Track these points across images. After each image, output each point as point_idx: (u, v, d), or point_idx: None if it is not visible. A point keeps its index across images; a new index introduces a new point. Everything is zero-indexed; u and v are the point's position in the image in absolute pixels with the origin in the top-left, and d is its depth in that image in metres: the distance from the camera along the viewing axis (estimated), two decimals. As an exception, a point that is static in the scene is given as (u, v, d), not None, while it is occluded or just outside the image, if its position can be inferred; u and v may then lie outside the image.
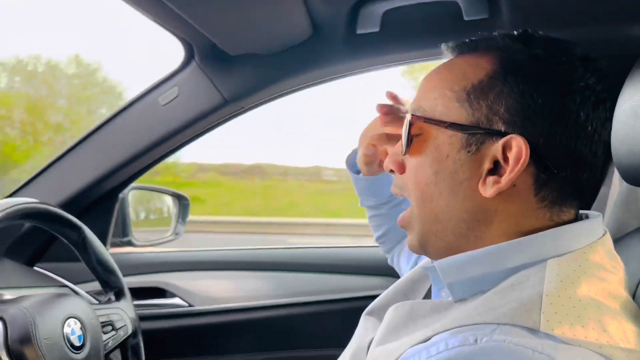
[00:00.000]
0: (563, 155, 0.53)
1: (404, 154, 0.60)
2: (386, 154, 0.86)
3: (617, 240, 0.78)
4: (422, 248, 0.62)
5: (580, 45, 0.57)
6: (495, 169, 0.54)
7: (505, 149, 0.53)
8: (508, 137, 0.53)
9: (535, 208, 0.55)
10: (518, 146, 0.52)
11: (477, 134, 0.55)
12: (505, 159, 0.53)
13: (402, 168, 0.62)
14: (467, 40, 0.61)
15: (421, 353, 0.49)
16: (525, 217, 0.55)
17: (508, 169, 0.53)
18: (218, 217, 7.19)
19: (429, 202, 0.58)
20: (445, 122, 0.56)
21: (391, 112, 0.83)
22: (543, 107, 0.53)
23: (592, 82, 0.55)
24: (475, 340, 0.46)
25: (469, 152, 0.55)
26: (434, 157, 0.57)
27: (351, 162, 0.97)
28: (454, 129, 0.56)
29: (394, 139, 0.82)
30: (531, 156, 0.52)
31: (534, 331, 0.46)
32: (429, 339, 0.51)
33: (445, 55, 0.63)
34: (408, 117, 0.59)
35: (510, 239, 0.55)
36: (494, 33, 0.59)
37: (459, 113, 0.56)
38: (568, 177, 0.54)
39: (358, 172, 0.96)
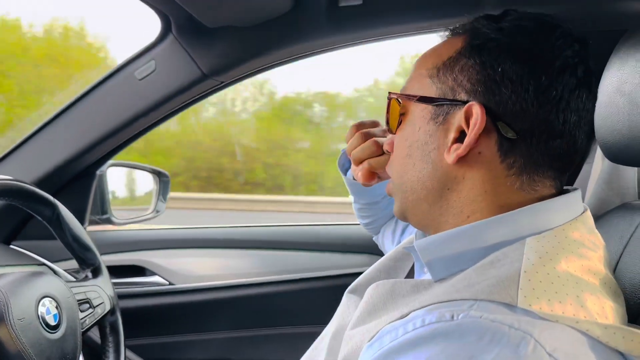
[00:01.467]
0: (526, 121, 0.54)
1: (388, 132, 0.65)
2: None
3: (599, 218, 0.79)
4: (403, 216, 0.66)
5: (566, 21, 0.58)
6: (462, 139, 0.56)
7: (468, 117, 0.55)
8: (468, 104, 0.55)
9: (503, 176, 0.56)
10: (476, 112, 0.54)
11: (443, 104, 0.58)
12: (469, 127, 0.55)
13: (392, 147, 0.66)
14: (456, 26, 0.63)
15: (398, 329, 0.49)
16: (493, 184, 0.56)
17: (467, 135, 0.55)
18: (199, 194, 7.17)
19: (405, 173, 0.62)
20: (415, 96, 0.60)
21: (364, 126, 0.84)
22: (503, 75, 0.55)
23: (558, 46, 0.55)
24: (452, 317, 0.46)
25: (436, 122, 0.58)
26: (409, 131, 0.61)
27: (342, 163, 0.96)
28: (423, 101, 0.60)
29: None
30: (493, 122, 0.55)
31: (511, 307, 0.46)
32: (406, 315, 0.51)
33: (426, 28, 0.66)
34: (389, 95, 0.64)
35: (481, 207, 0.56)
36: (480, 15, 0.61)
37: (430, 88, 0.60)
38: (534, 144, 0.55)
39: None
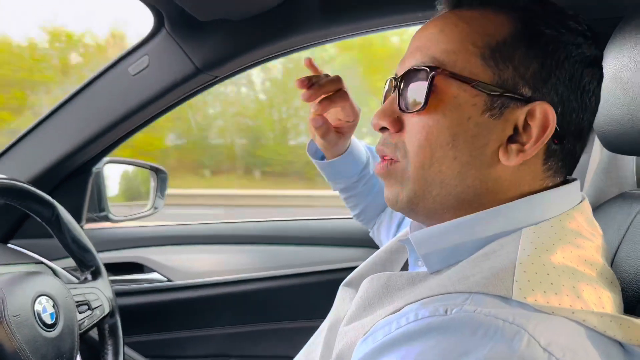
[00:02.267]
0: (573, 125, 0.53)
1: (412, 112, 0.55)
2: (338, 119, 0.87)
3: (597, 208, 0.78)
4: (410, 207, 0.58)
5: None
6: (514, 136, 0.53)
7: (528, 116, 0.52)
8: (535, 103, 0.51)
9: (540, 178, 0.55)
10: (543, 114, 0.51)
11: (502, 97, 0.52)
12: (525, 126, 0.52)
13: (398, 126, 0.57)
14: None
15: (391, 324, 0.48)
16: (530, 186, 0.55)
17: (533, 137, 0.52)
18: (196, 190, 7.15)
19: (437, 164, 0.54)
20: (472, 80, 0.52)
21: (311, 83, 0.80)
22: (565, 75, 0.52)
23: (600, 55, 0.55)
24: (446, 311, 0.45)
25: (492, 116, 0.52)
26: (453, 118, 0.53)
27: (312, 149, 0.96)
28: (479, 89, 0.52)
29: (335, 101, 0.82)
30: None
31: (506, 300, 0.45)
32: (400, 309, 0.50)
33: (445, 6, 0.58)
34: (428, 70, 0.53)
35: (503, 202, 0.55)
36: None
37: (485, 72, 0.52)
38: (569, 147, 0.55)
39: (322, 158, 0.95)
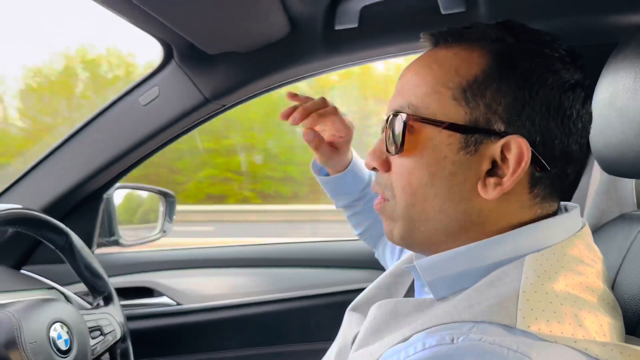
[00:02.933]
0: (557, 151, 0.53)
1: (395, 154, 0.57)
2: (331, 135, 0.90)
3: (598, 230, 0.79)
4: (404, 242, 0.61)
5: (555, 34, 0.57)
6: (492, 169, 0.54)
7: (504, 149, 0.52)
8: (508, 137, 0.52)
9: (528, 205, 0.55)
10: (518, 147, 0.52)
11: (475, 134, 0.53)
12: (504, 159, 0.53)
13: (386, 166, 0.60)
14: (449, 30, 0.58)
15: (400, 353, 0.49)
16: (518, 215, 0.55)
17: (509, 170, 0.52)
18: (206, 207, 7.15)
19: (421, 203, 0.56)
20: (443, 123, 0.54)
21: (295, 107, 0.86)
22: (541, 105, 0.52)
23: (581, 78, 0.54)
24: (452, 340, 0.46)
25: (467, 153, 0.53)
26: (430, 159, 0.55)
27: (316, 167, 0.98)
28: (452, 129, 0.53)
29: (324, 115, 0.85)
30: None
31: (510, 328, 0.46)
32: (408, 338, 0.51)
33: (425, 46, 0.61)
34: (403, 116, 0.56)
35: (495, 233, 0.55)
36: (476, 23, 0.57)
37: (457, 112, 0.54)
38: (558, 173, 0.54)
39: (326, 175, 0.97)
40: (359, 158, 0.97)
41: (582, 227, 0.57)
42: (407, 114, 0.56)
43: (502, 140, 0.52)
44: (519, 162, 0.52)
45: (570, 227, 0.56)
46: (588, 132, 0.56)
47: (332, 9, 0.96)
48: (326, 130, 0.90)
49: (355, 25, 0.96)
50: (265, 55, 1.04)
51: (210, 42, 0.98)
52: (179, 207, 1.53)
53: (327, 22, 0.98)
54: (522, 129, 0.52)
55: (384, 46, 0.99)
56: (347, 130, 0.90)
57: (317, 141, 0.88)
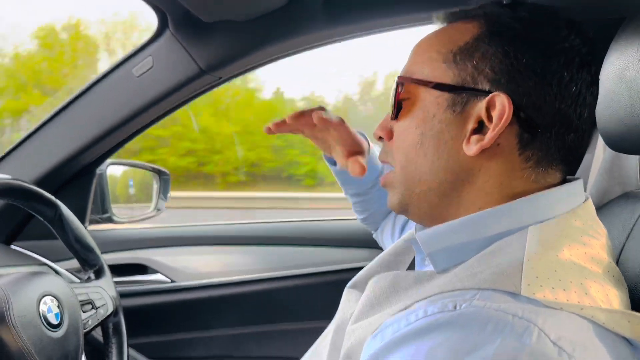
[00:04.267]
0: (547, 115, 0.54)
1: (393, 119, 0.61)
2: (345, 148, 0.86)
3: (601, 207, 0.79)
4: (403, 209, 0.62)
5: (565, 10, 0.57)
6: (480, 129, 0.55)
7: (490, 108, 0.54)
8: (492, 95, 0.53)
9: (520, 168, 0.55)
10: (501, 104, 0.53)
11: (462, 93, 0.55)
12: (490, 118, 0.54)
13: (390, 134, 0.63)
14: (457, 10, 0.61)
15: (400, 321, 0.48)
16: (509, 177, 0.55)
17: (491, 127, 0.53)
18: (201, 193, 7.18)
19: (413, 163, 0.59)
20: (431, 82, 0.57)
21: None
22: (527, 67, 0.53)
23: (577, 43, 0.55)
24: (455, 307, 0.45)
25: (454, 111, 0.56)
26: (420, 119, 0.58)
27: (327, 156, 0.95)
28: (440, 88, 0.56)
29: (337, 129, 0.82)
30: (515, 115, 0.53)
31: (515, 295, 0.45)
32: (409, 306, 0.50)
33: (435, 24, 0.63)
34: (396, 80, 0.59)
35: (493, 200, 0.55)
36: (483, 2, 0.60)
37: (446, 73, 0.56)
38: (553, 138, 0.55)
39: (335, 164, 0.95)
40: (375, 148, 0.95)
41: (585, 200, 0.57)
42: (400, 77, 0.60)
43: (487, 98, 0.54)
44: (500, 118, 0.53)
45: (573, 199, 0.56)
46: (586, 99, 0.56)
47: (333, -23, 0.94)
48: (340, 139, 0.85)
49: None
50: (263, 25, 1.01)
51: (207, 9, 0.95)
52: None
53: (326, -8, 0.96)
54: (507, 89, 0.53)
55: (386, 17, 0.97)
56: (357, 145, 0.85)
57: (325, 147, 0.88)
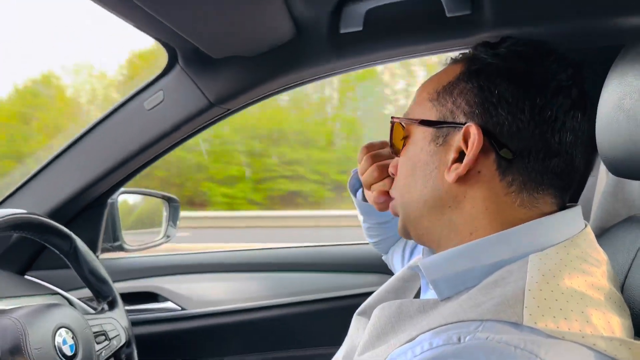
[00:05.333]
0: (522, 140, 0.57)
1: (394, 155, 0.69)
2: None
3: (606, 231, 0.79)
4: (405, 233, 0.68)
5: (564, 39, 0.61)
6: (461, 159, 0.59)
7: (466, 138, 0.58)
8: (466, 126, 0.58)
9: (503, 194, 0.57)
10: (473, 133, 0.57)
11: (442, 127, 0.61)
12: (467, 147, 0.58)
13: (396, 170, 0.69)
14: (459, 55, 0.67)
15: (406, 353, 0.49)
16: (495, 202, 0.58)
17: (466, 155, 0.57)
18: (211, 213, 7.20)
19: (407, 192, 0.65)
20: (416, 120, 0.64)
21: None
22: (499, 97, 0.57)
23: (553, 69, 0.58)
24: (459, 339, 0.46)
25: (437, 143, 0.61)
26: (412, 153, 0.64)
27: (352, 183, 0.97)
28: (424, 124, 0.63)
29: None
30: (490, 143, 0.57)
31: (517, 326, 0.46)
32: (414, 338, 0.51)
33: (441, 63, 0.69)
34: (401, 122, 0.67)
35: (483, 225, 0.57)
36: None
37: (430, 111, 0.63)
38: (532, 163, 0.57)
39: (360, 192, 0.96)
40: None
41: (584, 228, 0.58)
42: (393, 117, 0.67)
43: (462, 129, 0.58)
44: (472, 146, 0.57)
45: (572, 226, 0.57)
46: (566, 124, 0.58)
47: (337, 12, 0.96)
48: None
49: (360, 28, 0.96)
50: (270, 59, 1.03)
51: (215, 45, 0.98)
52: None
53: (332, 26, 0.98)
54: (480, 121, 0.58)
55: (389, 49, 0.99)
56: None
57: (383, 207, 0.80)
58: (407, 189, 0.65)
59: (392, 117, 0.67)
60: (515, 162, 0.57)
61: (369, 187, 0.81)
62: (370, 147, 0.84)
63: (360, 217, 1.01)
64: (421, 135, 0.63)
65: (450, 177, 0.59)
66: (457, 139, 0.59)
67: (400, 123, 0.66)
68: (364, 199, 0.95)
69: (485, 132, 0.57)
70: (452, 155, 0.59)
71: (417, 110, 0.65)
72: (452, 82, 0.62)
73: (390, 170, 0.72)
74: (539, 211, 0.57)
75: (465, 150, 0.58)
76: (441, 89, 0.63)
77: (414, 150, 0.64)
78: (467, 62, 0.62)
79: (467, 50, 0.66)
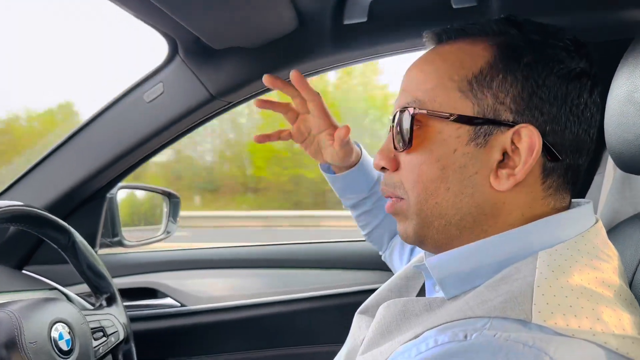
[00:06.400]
0: (567, 140, 0.53)
1: (403, 150, 0.58)
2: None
3: (613, 229, 0.78)
4: (419, 240, 0.60)
5: (570, 30, 0.57)
6: (502, 161, 0.54)
7: (514, 139, 0.52)
8: (518, 127, 0.52)
9: (541, 197, 0.55)
10: (529, 136, 0.52)
11: (484, 125, 0.53)
12: (514, 149, 0.53)
13: (395, 165, 0.60)
14: (452, 27, 0.59)
15: (411, 350, 0.48)
16: (531, 207, 0.55)
17: (522, 160, 0.52)
18: (212, 212, 7.25)
19: (433, 197, 0.56)
20: (452, 115, 0.54)
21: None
22: (548, 94, 0.52)
23: (587, 66, 0.55)
24: (465, 336, 0.45)
25: (477, 144, 0.53)
26: (440, 152, 0.55)
27: (324, 165, 0.97)
28: (461, 121, 0.54)
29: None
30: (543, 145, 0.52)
31: (525, 323, 0.45)
32: (419, 335, 0.50)
33: (429, 43, 0.61)
34: (410, 111, 0.56)
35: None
36: (480, 20, 0.58)
37: (464, 104, 0.54)
38: (569, 163, 0.54)
39: (333, 173, 0.96)
40: (368, 156, 0.96)
41: (595, 223, 0.56)
42: (414, 108, 0.56)
43: (512, 130, 0.52)
44: (530, 151, 0.52)
45: (583, 222, 0.55)
46: (596, 121, 0.56)
47: (340, 3, 0.95)
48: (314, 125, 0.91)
49: (364, 19, 0.95)
50: (272, 51, 1.02)
51: (217, 36, 0.97)
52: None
53: (335, 17, 0.97)
54: (531, 119, 0.52)
55: (393, 41, 0.98)
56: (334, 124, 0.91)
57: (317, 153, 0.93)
58: (432, 194, 0.56)
59: (405, 107, 0.57)
60: (557, 164, 0.54)
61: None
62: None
63: (342, 201, 1.01)
64: (453, 133, 0.54)
65: (503, 185, 0.53)
66: (502, 140, 0.53)
67: (413, 114, 0.56)
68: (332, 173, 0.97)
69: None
70: (496, 157, 0.53)
71: (439, 100, 0.55)
72: (486, 70, 0.53)
73: (382, 164, 0.61)
74: (559, 207, 0.56)
75: (509, 153, 0.53)
76: (472, 77, 0.54)
77: (444, 150, 0.54)
78: (498, 46, 0.54)
79: (472, 24, 0.58)
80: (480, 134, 0.53)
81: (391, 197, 0.62)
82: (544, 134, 0.52)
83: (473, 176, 0.54)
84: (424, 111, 0.55)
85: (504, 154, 0.53)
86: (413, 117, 0.56)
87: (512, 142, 0.52)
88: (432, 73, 0.57)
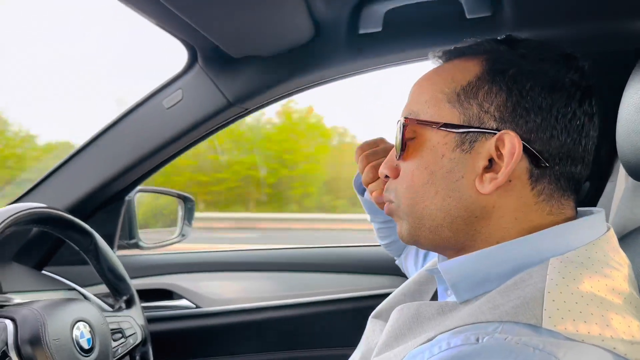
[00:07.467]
0: (554, 149, 0.55)
1: (399, 159, 0.62)
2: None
3: (625, 237, 0.78)
4: (413, 240, 0.63)
5: (564, 43, 0.60)
6: (490, 166, 0.56)
7: (499, 145, 0.55)
8: (500, 133, 0.55)
9: (533, 202, 0.56)
10: (511, 142, 0.54)
11: (469, 132, 0.57)
12: (499, 155, 0.55)
13: (396, 173, 0.64)
14: (453, 48, 0.63)
15: (424, 353, 0.49)
16: (524, 212, 0.56)
17: (504, 164, 0.55)
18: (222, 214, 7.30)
19: (422, 201, 0.60)
20: (437, 123, 0.58)
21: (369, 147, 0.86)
22: (532, 103, 0.55)
23: (577, 78, 0.57)
24: (477, 340, 0.46)
25: (463, 150, 0.57)
26: (429, 158, 0.59)
27: (357, 183, 0.97)
28: (447, 128, 0.58)
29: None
30: (524, 151, 0.54)
31: (536, 328, 0.46)
32: (432, 338, 0.51)
33: (432, 64, 0.65)
34: (401, 120, 0.61)
35: (510, 234, 0.56)
36: (478, 40, 0.61)
37: (451, 113, 0.58)
38: (561, 171, 0.56)
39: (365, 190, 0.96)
40: None
41: (607, 231, 0.57)
42: (406, 118, 0.61)
43: (496, 136, 0.55)
44: (511, 155, 0.54)
45: (595, 230, 0.56)
46: (590, 132, 0.57)
47: (356, 12, 0.96)
48: None
49: (380, 29, 0.96)
50: (289, 59, 1.04)
51: (235, 45, 0.99)
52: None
53: (351, 26, 0.98)
54: (515, 126, 0.55)
55: (408, 50, 0.99)
56: None
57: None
58: (420, 197, 0.60)
59: (404, 118, 0.61)
60: (546, 171, 0.55)
61: (367, 187, 0.81)
62: (364, 147, 0.84)
63: (369, 217, 1.01)
64: (441, 140, 0.58)
65: (486, 188, 0.55)
66: (487, 146, 0.55)
67: (408, 124, 0.60)
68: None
69: (521, 139, 0.54)
70: (481, 163, 0.56)
71: (431, 111, 0.59)
72: (473, 82, 0.57)
73: (383, 171, 0.66)
74: (563, 217, 0.57)
75: (495, 158, 0.55)
76: (460, 89, 0.58)
77: (433, 156, 0.59)
78: (488, 61, 0.58)
79: (476, 44, 0.61)
80: (465, 140, 0.56)
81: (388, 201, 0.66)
82: (528, 141, 0.55)
83: (459, 180, 0.57)
84: (415, 121, 0.60)
85: (491, 160, 0.56)
86: (404, 126, 0.61)
87: (497, 149, 0.55)
88: (427, 87, 0.61)
